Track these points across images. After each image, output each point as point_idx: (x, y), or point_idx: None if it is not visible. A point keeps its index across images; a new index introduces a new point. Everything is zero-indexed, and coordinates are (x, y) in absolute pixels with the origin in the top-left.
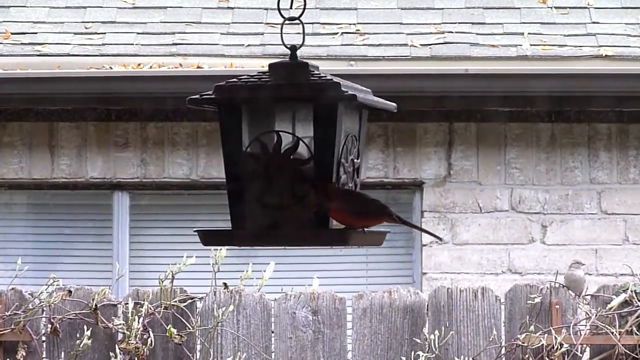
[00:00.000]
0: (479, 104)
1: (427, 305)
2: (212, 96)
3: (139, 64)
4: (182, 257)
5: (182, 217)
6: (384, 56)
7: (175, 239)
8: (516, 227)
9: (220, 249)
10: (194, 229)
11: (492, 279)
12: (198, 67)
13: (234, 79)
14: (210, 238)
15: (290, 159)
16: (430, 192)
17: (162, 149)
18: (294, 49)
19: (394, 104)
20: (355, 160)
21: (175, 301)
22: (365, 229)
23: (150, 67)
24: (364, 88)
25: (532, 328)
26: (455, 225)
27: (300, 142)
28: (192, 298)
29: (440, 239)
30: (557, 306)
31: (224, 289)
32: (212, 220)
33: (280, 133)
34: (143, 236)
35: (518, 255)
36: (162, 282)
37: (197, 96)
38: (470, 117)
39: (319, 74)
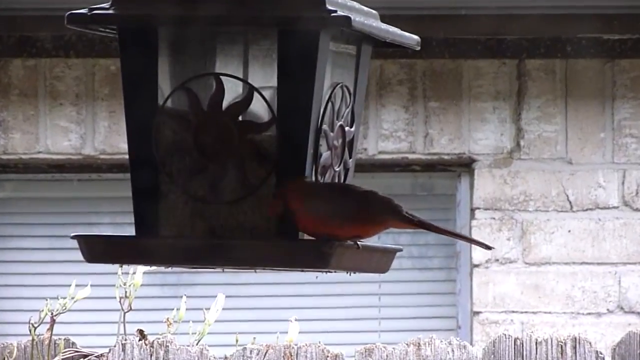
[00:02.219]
0: (567, 26)
1: None
2: (109, 11)
3: None
4: (69, 285)
5: (68, 220)
6: None
7: (57, 255)
8: (632, 236)
9: (133, 273)
10: (72, 235)
11: (590, 323)
12: None
13: None
14: (98, 251)
15: (238, 122)
16: (487, 176)
17: (35, 105)
18: None
19: (416, 37)
20: (348, 129)
21: None
22: (358, 242)
23: None
24: (365, 8)
25: None
26: (528, 233)
27: (256, 94)
28: (85, 356)
29: (490, 248)
30: None
31: (140, 339)
32: (122, 224)
33: (223, 78)
34: (1, 251)
35: (635, 282)
36: (35, 328)
37: (84, 11)
38: (555, 48)
39: None
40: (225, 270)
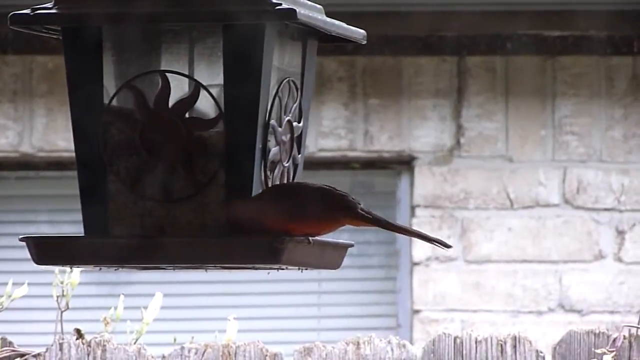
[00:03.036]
0: (507, 22)
1: None
2: (52, 11)
3: None
4: (6, 284)
5: (6, 218)
6: None
7: None
8: (573, 234)
9: (70, 272)
10: (20, 237)
11: (531, 321)
12: None
13: None
14: (47, 252)
15: (185, 120)
16: (427, 174)
17: None
18: None
19: (362, 31)
20: (295, 123)
21: None
22: (309, 238)
23: None
24: (309, 2)
25: None
26: (468, 231)
27: (202, 91)
28: (22, 355)
29: (448, 247)
30: None
31: (77, 338)
32: (59, 222)
33: (168, 76)
34: None
35: (576, 280)
36: None
37: (27, 11)
38: (495, 46)
39: None
40: (175, 269)
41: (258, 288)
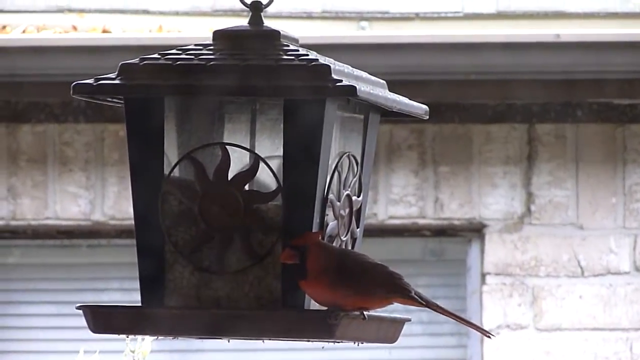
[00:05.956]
0: (577, 91)
1: None
2: (115, 81)
3: (3, 27)
4: (77, 352)
5: (77, 285)
6: (417, 13)
7: (65, 321)
8: None
9: (142, 340)
10: (77, 305)
11: None
12: (104, 32)
13: (153, 55)
14: (103, 321)
15: (244, 192)
16: (497, 241)
17: (44, 169)
18: (257, 5)
19: (424, 107)
20: (355, 198)
21: None
22: (364, 313)
23: (24, 32)
24: (373, 77)
25: None
26: (539, 298)
27: (261, 164)
28: None
29: (490, 336)
30: None
31: None
32: (130, 290)
33: (229, 148)
34: (10, 317)
35: None
36: None
37: (90, 81)
38: (565, 114)
39: (296, 49)
40: (230, 340)
41: (327, 356)
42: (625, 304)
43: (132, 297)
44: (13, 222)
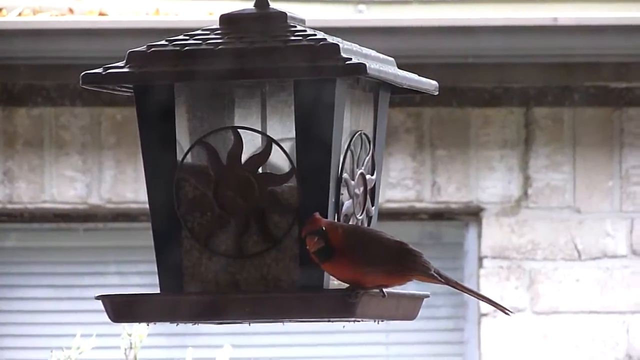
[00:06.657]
0: (574, 75)
1: None
2: (124, 69)
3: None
4: (74, 336)
5: (74, 269)
6: None
7: (62, 305)
8: None
9: (138, 324)
10: (96, 296)
11: None
12: (101, 15)
13: (160, 42)
14: (123, 310)
15: (258, 175)
16: (494, 225)
17: (41, 153)
18: None
19: (434, 82)
20: (369, 176)
21: None
22: (384, 290)
23: (20, 15)
24: (381, 55)
25: None
26: (536, 282)
27: (274, 146)
28: None
29: (509, 313)
30: None
31: None
32: (127, 274)
33: (241, 132)
34: (7, 301)
35: None
36: None
37: (99, 70)
38: (562, 97)
39: (304, 29)
40: (251, 322)
41: (325, 339)
42: (622, 287)
43: (130, 280)
44: (9, 206)
